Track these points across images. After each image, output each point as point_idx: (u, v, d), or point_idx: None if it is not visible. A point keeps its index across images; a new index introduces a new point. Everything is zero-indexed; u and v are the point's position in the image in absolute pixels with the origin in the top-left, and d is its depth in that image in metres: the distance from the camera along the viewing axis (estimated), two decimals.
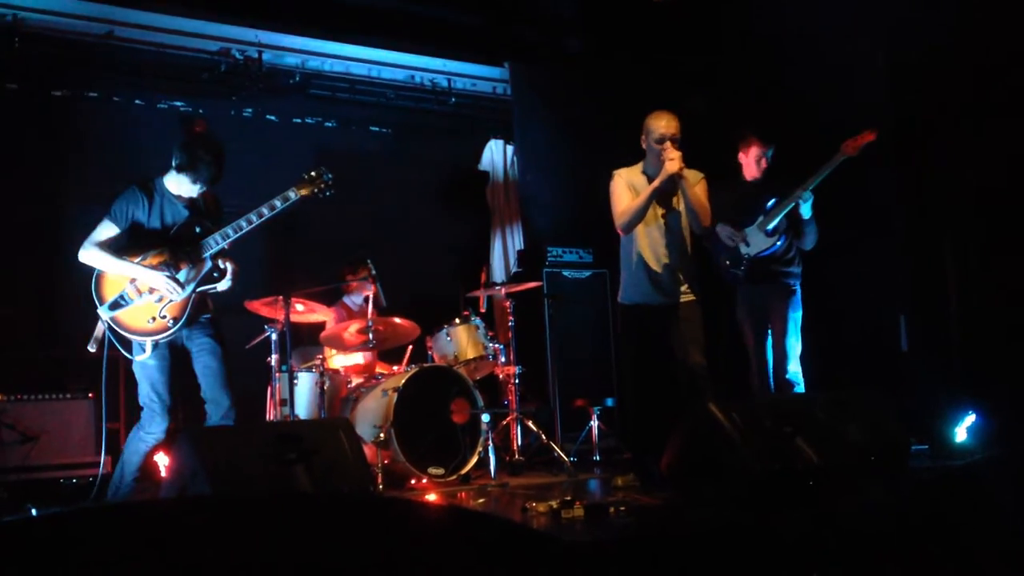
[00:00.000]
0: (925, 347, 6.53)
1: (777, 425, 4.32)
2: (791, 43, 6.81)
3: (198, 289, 4.85)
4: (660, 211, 5.19)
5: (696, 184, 5.17)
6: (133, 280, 4.77)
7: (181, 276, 4.79)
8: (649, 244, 5.21)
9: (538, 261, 7.87)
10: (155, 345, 4.79)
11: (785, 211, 5.77)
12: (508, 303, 6.74)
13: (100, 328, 4.79)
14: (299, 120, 8.05)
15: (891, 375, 6.44)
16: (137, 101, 7.32)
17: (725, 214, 5.86)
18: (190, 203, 4.93)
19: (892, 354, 6.63)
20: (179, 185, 4.89)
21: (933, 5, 6.14)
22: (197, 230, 4.87)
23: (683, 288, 5.19)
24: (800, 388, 5.82)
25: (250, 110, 7.75)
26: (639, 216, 5.15)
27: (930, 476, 5.02)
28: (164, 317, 4.77)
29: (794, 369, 5.83)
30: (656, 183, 5.05)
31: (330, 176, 5.20)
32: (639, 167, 5.29)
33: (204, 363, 4.89)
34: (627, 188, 5.22)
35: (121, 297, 4.75)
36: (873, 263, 6.74)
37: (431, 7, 7.79)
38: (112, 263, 4.75)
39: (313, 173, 5.18)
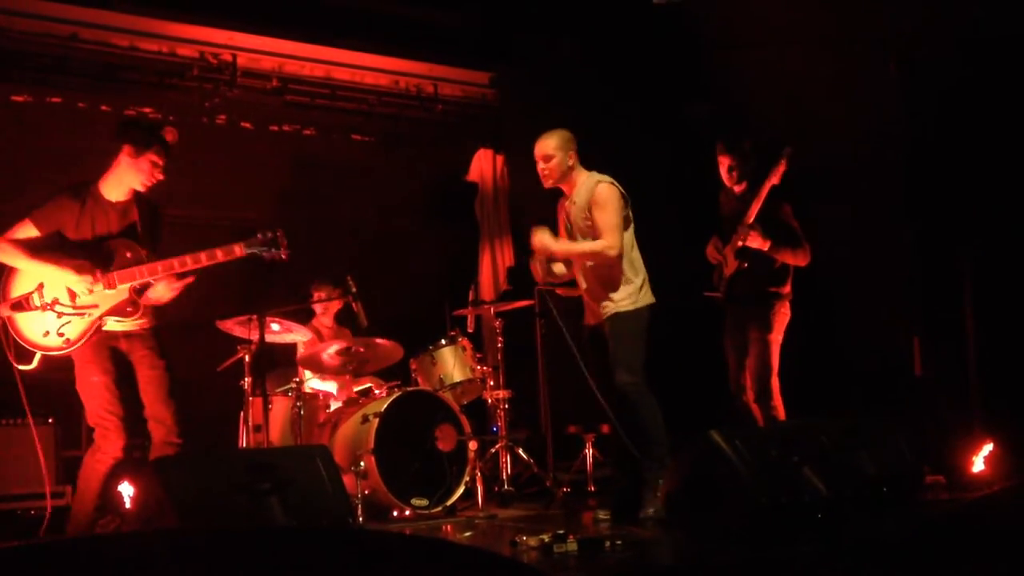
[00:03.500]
0: (940, 372, 6.55)
1: (784, 454, 4.32)
2: (797, 52, 6.86)
3: (106, 317, 4.86)
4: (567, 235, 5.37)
5: (596, 207, 5.20)
6: (41, 286, 4.80)
7: (96, 288, 4.82)
8: (577, 267, 5.40)
9: (530, 278, 7.87)
10: (106, 359, 4.81)
11: (740, 241, 5.84)
12: (498, 323, 6.74)
13: None
14: (276, 128, 8.06)
15: (904, 401, 6.45)
16: (103, 107, 7.32)
17: (721, 226, 5.98)
18: (124, 212, 4.96)
19: (906, 379, 6.65)
20: (119, 186, 4.95)
21: (946, 16, 6.21)
22: (128, 255, 4.91)
23: (612, 302, 5.25)
24: (768, 412, 5.81)
25: (224, 117, 7.75)
26: None
27: (946, 509, 5.02)
28: (62, 335, 4.81)
29: (766, 390, 5.82)
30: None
31: (281, 243, 5.17)
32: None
33: (146, 377, 4.94)
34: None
35: (25, 299, 4.80)
36: (886, 284, 6.77)
37: (417, 8, 7.81)
38: (22, 260, 4.81)
39: (269, 234, 5.17)
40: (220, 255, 5.00)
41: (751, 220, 5.79)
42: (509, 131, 8.41)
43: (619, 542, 4.17)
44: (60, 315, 4.80)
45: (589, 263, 5.29)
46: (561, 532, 4.15)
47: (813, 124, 6.65)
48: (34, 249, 4.82)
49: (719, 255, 6.05)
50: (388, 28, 7.83)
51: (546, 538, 4.14)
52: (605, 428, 7.32)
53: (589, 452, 6.92)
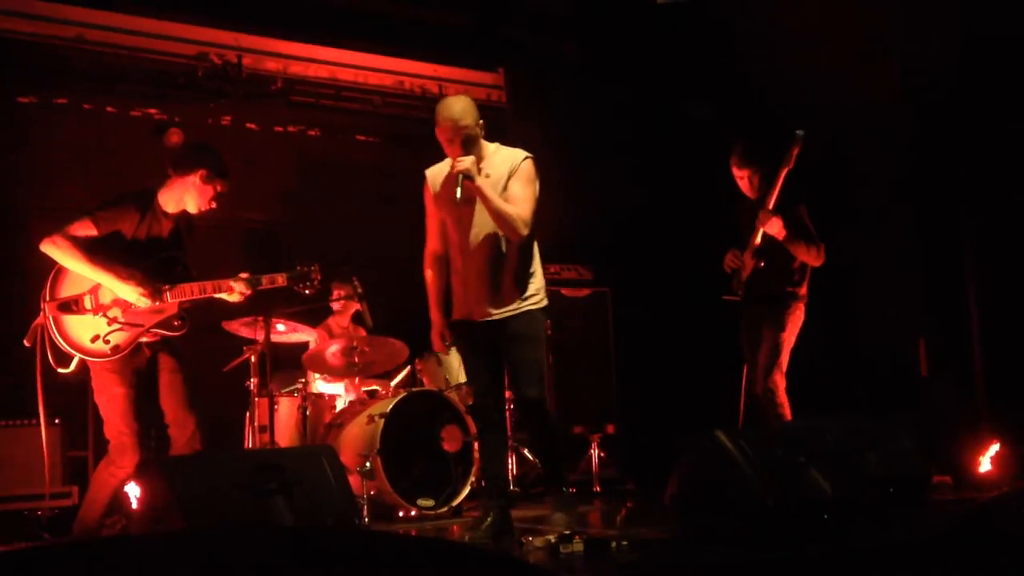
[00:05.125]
0: (947, 372, 6.54)
1: (789, 454, 4.31)
2: (801, 50, 6.85)
3: (152, 329, 4.82)
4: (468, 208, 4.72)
5: (521, 180, 4.70)
6: (95, 289, 4.74)
7: (144, 302, 4.76)
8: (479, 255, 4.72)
9: None
10: (129, 367, 4.75)
11: (759, 234, 5.82)
12: None
13: (36, 323, 4.73)
14: (281, 129, 8.06)
15: (911, 401, 6.44)
16: (109, 108, 7.33)
17: (740, 237, 5.96)
18: (174, 226, 4.94)
19: (912, 379, 6.64)
20: (176, 202, 4.91)
21: (949, 21, 6.20)
22: (178, 270, 4.88)
23: (520, 298, 4.70)
24: (775, 406, 5.80)
25: (229, 118, 7.75)
26: None
27: (953, 510, 5.01)
28: (108, 342, 4.72)
29: (771, 388, 5.82)
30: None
31: (312, 277, 5.22)
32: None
33: (168, 383, 4.88)
34: None
35: (75, 302, 4.71)
36: (892, 284, 6.76)
37: (421, 9, 7.81)
38: (79, 262, 4.67)
39: (304, 268, 5.21)
40: (265, 282, 5.06)
41: (770, 207, 5.76)
42: (513, 131, 8.40)
43: (625, 543, 4.17)
44: (112, 321, 4.72)
45: (496, 248, 4.66)
46: (567, 532, 4.14)
47: (814, 124, 6.64)
48: (92, 252, 4.68)
49: (737, 261, 5.99)
50: (392, 29, 7.84)
51: (552, 538, 4.14)
52: (610, 428, 7.33)
53: (595, 452, 6.91)
